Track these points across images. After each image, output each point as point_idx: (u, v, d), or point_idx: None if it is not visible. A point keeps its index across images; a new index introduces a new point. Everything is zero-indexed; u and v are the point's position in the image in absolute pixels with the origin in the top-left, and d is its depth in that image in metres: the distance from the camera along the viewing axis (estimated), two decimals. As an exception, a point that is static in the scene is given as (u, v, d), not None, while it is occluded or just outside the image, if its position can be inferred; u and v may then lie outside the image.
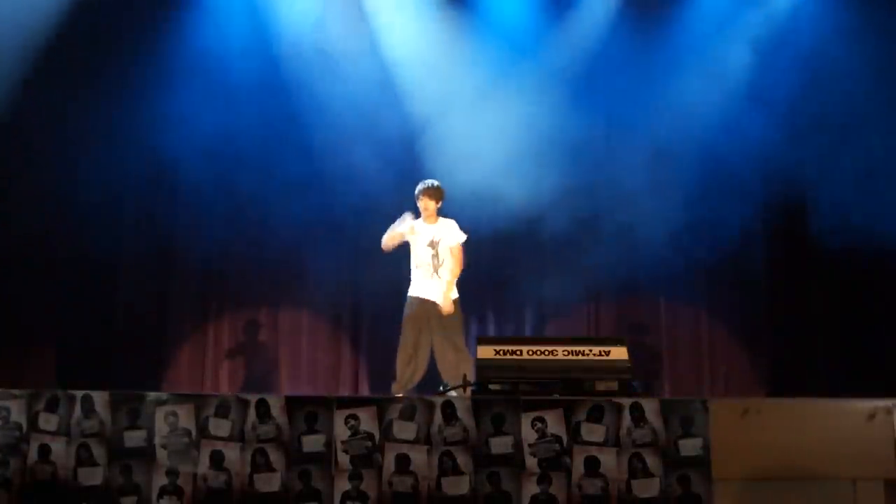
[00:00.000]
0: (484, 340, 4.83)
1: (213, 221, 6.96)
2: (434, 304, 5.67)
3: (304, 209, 6.83)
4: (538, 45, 7.17)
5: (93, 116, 6.72)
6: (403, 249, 5.87)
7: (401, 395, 5.31)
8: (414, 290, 5.78)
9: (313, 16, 7.12)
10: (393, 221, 5.80)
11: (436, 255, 5.72)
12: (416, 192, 5.80)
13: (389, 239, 5.77)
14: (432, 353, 5.67)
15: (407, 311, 5.75)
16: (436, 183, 5.79)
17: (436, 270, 5.71)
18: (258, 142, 6.94)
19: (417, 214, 5.81)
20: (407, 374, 5.64)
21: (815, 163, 6.61)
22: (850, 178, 6.43)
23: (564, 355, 4.74)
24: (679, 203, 6.85)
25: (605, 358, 4.70)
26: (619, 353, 4.72)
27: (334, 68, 7.00)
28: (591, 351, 4.75)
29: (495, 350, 4.78)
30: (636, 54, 7.03)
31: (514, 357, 4.74)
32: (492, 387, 4.55)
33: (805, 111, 6.71)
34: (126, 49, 6.92)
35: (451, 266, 5.72)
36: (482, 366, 4.67)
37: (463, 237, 5.79)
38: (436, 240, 5.75)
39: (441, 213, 5.85)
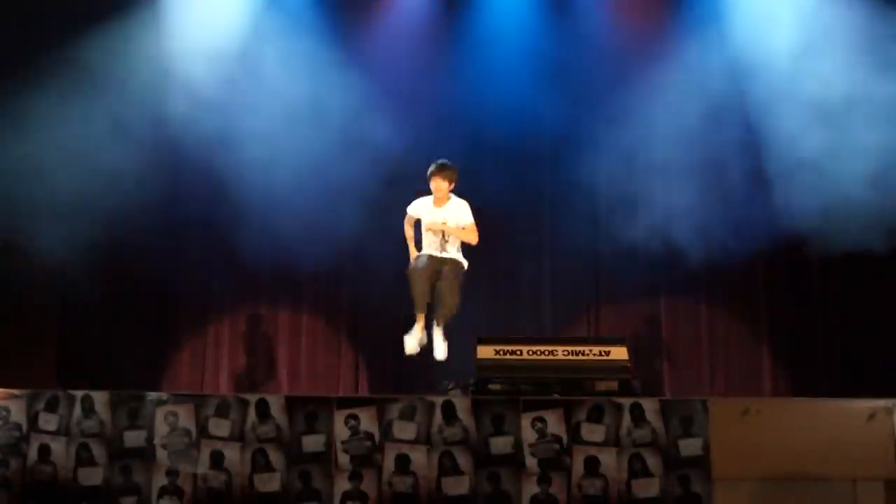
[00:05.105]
0: (484, 340, 4.83)
1: (213, 221, 6.95)
2: (443, 260, 5.26)
3: (303, 209, 6.81)
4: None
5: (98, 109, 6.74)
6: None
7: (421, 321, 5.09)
8: (424, 251, 5.38)
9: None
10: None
11: (444, 237, 5.31)
12: (429, 172, 5.37)
13: (408, 231, 5.48)
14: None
15: (414, 263, 5.31)
16: (449, 163, 5.37)
17: (444, 249, 5.31)
18: (258, 142, 6.92)
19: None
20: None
21: (814, 162, 6.59)
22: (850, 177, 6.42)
23: (564, 355, 4.74)
24: (681, 203, 6.84)
25: (605, 358, 4.71)
26: (619, 353, 4.73)
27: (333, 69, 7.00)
28: (591, 351, 4.75)
29: (495, 350, 4.78)
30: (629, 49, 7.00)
31: (514, 357, 4.75)
32: (492, 387, 4.56)
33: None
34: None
35: (466, 236, 5.32)
36: (482, 366, 4.67)
37: (472, 221, 5.34)
38: (447, 222, 5.35)
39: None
